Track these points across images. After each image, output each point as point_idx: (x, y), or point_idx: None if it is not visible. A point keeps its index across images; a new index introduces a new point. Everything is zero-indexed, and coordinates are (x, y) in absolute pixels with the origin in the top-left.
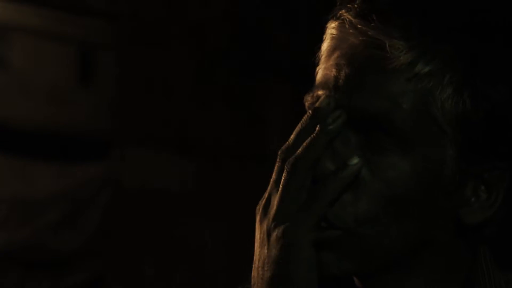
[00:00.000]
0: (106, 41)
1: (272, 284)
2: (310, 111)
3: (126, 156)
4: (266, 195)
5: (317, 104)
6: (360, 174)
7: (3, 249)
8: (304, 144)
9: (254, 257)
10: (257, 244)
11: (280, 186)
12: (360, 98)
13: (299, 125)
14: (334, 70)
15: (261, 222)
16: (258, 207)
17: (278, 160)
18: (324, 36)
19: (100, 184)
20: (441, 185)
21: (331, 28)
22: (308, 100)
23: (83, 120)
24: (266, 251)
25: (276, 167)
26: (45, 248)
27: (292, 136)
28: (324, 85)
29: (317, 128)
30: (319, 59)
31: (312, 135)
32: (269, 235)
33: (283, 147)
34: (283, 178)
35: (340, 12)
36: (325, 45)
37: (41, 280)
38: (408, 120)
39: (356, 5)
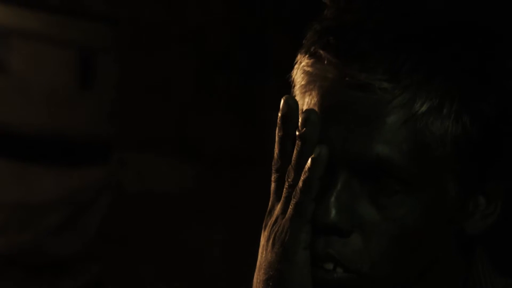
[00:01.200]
0: (106, 45)
1: (267, 286)
2: (278, 121)
3: (126, 160)
4: (270, 203)
5: (280, 113)
6: (367, 217)
7: (3, 252)
8: (294, 155)
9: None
10: (259, 251)
11: (282, 197)
12: (355, 143)
13: (277, 137)
14: (317, 112)
15: (264, 229)
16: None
17: (274, 171)
18: (296, 67)
19: (100, 187)
20: (446, 212)
21: (305, 64)
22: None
23: (83, 124)
24: (264, 255)
25: (273, 177)
26: (45, 252)
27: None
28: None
29: (297, 134)
30: (294, 91)
31: (296, 144)
32: (268, 241)
33: (275, 158)
34: (284, 188)
35: (314, 47)
36: (299, 79)
37: (41, 284)
38: (410, 161)
39: (332, 41)
